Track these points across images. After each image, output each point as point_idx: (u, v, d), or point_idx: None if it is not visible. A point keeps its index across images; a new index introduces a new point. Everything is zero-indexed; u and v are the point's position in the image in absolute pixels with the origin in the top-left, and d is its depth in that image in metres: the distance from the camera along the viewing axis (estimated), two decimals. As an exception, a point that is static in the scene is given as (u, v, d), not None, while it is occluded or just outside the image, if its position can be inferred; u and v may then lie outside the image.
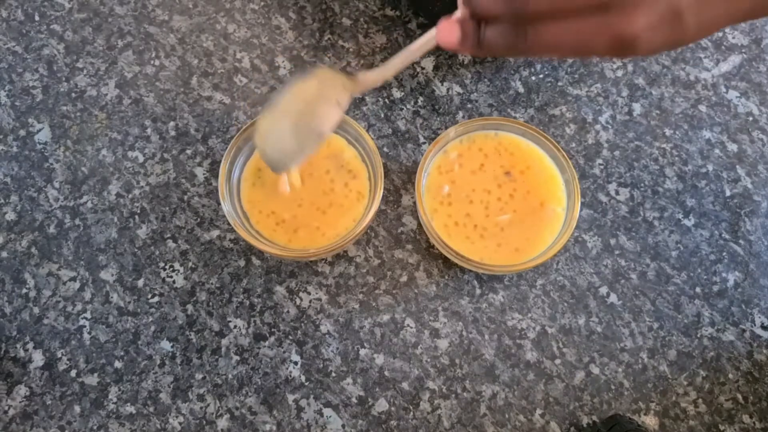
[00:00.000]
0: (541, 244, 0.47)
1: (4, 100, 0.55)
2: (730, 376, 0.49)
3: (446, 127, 0.55)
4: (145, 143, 0.54)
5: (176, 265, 0.51)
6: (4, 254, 0.51)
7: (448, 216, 0.48)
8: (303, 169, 0.49)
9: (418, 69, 0.57)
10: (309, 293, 0.50)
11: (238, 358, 0.49)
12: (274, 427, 0.47)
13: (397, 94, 0.56)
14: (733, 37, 0.59)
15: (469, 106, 0.56)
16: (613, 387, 0.48)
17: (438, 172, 0.49)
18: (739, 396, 0.48)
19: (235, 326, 0.49)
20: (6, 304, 0.50)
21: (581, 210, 0.53)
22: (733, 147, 0.55)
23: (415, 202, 0.52)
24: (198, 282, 0.50)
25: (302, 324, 0.50)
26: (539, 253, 0.47)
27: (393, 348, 0.49)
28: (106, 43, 0.57)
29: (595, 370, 0.49)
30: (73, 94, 0.56)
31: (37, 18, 0.58)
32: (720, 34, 0.59)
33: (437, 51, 0.57)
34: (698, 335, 0.50)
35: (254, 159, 0.50)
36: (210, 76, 0.56)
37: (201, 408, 0.47)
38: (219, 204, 0.52)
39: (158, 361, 0.48)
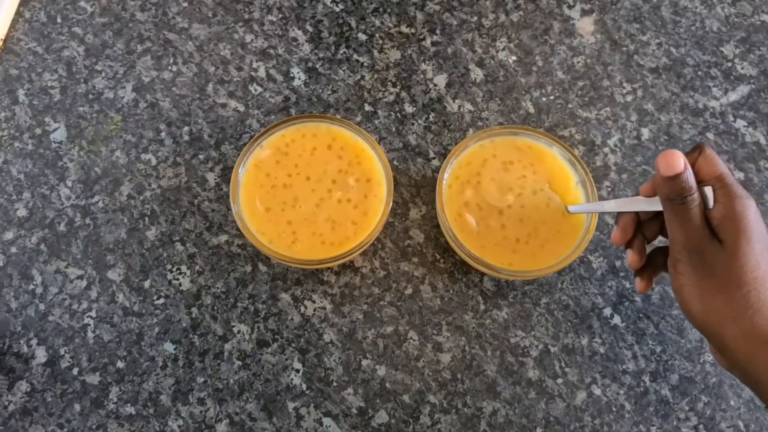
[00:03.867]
0: (558, 252, 0.47)
1: (22, 99, 0.56)
2: (732, 402, 0.48)
3: (456, 143, 0.55)
4: (159, 146, 0.55)
5: (183, 268, 0.51)
6: (14, 250, 0.51)
7: (468, 219, 0.48)
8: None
9: (431, 85, 0.58)
10: (314, 302, 0.50)
11: (240, 363, 0.49)
12: (273, 435, 0.47)
13: (409, 109, 0.57)
14: (742, 68, 0.60)
15: (479, 123, 0.56)
16: (614, 409, 0.48)
17: (457, 177, 0.49)
18: (741, 423, 0.48)
19: (238, 331, 0.49)
20: (12, 300, 0.50)
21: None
22: (739, 175, 0.56)
23: (423, 215, 0.53)
24: (204, 286, 0.51)
25: (306, 332, 0.50)
26: (556, 261, 0.47)
27: (395, 360, 0.49)
28: (125, 47, 0.58)
29: (597, 391, 0.49)
30: (91, 96, 0.57)
31: (59, 20, 0.59)
32: (729, 64, 0.60)
33: (450, 70, 0.58)
34: (701, 360, 0.50)
35: (252, 158, 0.50)
36: (226, 83, 0.57)
37: (201, 412, 0.47)
38: (229, 209, 0.53)
39: (160, 363, 0.48)
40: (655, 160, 0.38)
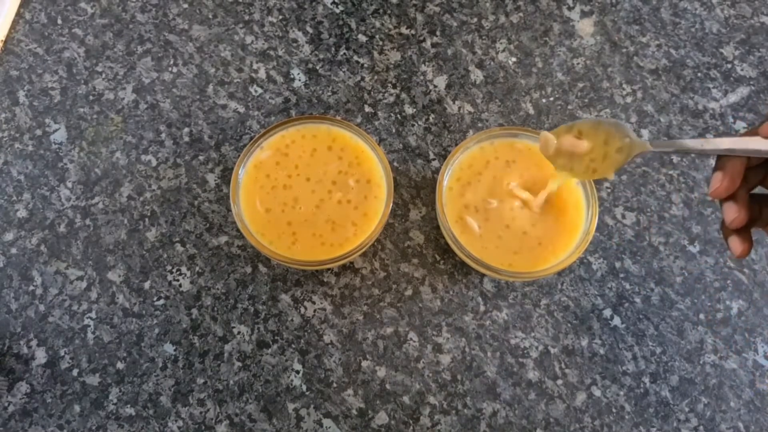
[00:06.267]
0: (558, 253, 0.47)
1: (22, 100, 0.56)
2: (732, 404, 0.48)
3: (456, 144, 0.55)
4: (159, 148, 0.55)
5: (183, 269, 0.51)
6: (14, 251, 0.51)
7: (468, 221, 0.48)
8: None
9: (431, 87, 0.58)
10: (314, 303, 0.50)
11: (240, 364, 0.49)
12: (273, 436, 0.47)
13: (409, 110, 0.57)
14: (742, 69, 0.60)
15: (479, 125, 0.56)
16: (614, 410, 0.48)
17: (458, 179, 0.50)
18: (741, 425, 0.48)
19: (238, 332, 0.49)
20: (12, 301, 0.50)
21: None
22: (739, 176, 0.56)
23: (423, 216, 0.53)
24: (204, 287, 0.51)
25: (306, 333, 0.50)
26: (557, 261, 0.47)
27: (395, 361, 0.49)
28: (125, 48, 0.59)
29: (597, 393, 0.49)
30: (91, 97, 0.57)
31: (59, 21, 0.59)
32: (729, 66, 0.60)
33: (450, 71, 0.58)
34: (701, 362, 0.50)
35: (252, 161, 0.49)
36: (226, 85, 0.57)
37: (201, 413, 0.47)
38: (229, 210, 0.53)
39: (160, 364, 0.48)
40: None
